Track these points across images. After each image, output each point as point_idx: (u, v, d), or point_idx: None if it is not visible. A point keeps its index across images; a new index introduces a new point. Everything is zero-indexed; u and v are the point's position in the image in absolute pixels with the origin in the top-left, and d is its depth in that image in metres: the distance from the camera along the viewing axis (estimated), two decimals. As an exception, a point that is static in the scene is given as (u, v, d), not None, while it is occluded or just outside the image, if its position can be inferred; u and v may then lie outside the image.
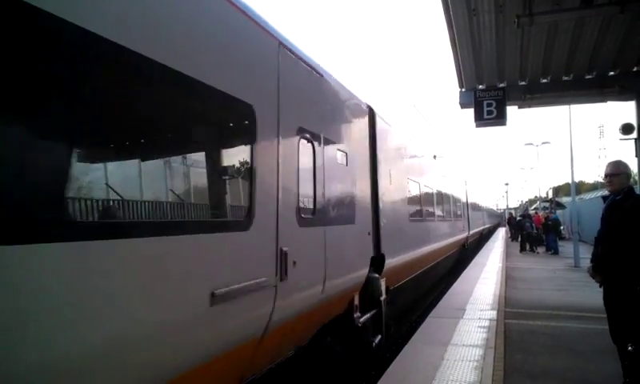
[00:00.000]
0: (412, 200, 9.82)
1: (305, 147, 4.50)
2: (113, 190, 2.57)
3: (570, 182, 20.94)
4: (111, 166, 2.75)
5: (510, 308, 9.29)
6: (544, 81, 11.18)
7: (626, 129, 11.16)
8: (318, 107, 4.95)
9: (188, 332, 2.77)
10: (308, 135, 4.54)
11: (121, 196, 2.59)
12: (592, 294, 11.14)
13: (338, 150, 5.48)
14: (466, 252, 21.74)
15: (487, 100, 10.87)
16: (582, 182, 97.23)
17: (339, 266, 5.23)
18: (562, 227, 30.06)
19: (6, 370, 1.76)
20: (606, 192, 5.34)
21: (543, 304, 9.74)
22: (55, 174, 2.09)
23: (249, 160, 3.52)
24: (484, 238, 37.94)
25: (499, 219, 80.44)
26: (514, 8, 7.91)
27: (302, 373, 4.84)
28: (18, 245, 1.81)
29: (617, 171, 4.81)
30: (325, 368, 5.39)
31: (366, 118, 6.86)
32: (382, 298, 6.90)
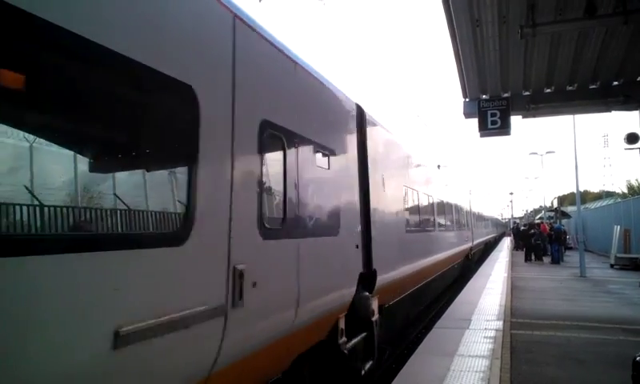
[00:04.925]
0: (410, 209, 9.24)
1: (271, 145, 3.97)
2: None
3: (575, 191, 20.85)
4: None
5: (516, 318, 9.24)
6: (548, 91, 11.20)
7: (631, 138, 11.19)
8: (291, 100, 4.40)
9: None
10: (276, 131, 3.98)
11: None
12: (598, 304, 11.12)
13: (317, 151, 4.87)
14: (471, 263, 21.37)
15: (491, 110, 10.90)
16: (586, 191, 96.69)
17: (318, 286, 4.62)
18: (568, 237, 29.95)
19: None
20: None
21: (549, 314, 9.68)
22: None
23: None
24: (489, 247, 37.72)
25: (504, 229, 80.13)
26: (517, 19, 7.96)
27: None
28: None
29: None
30: None
31: (354, 118, 6.22)
32: (374, 318, 6.27)
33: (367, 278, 6.07)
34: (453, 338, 7.62)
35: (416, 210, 9.80)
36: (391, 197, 7.62)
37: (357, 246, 5.75)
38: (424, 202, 10.82)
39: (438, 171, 13.89)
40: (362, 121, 6.43)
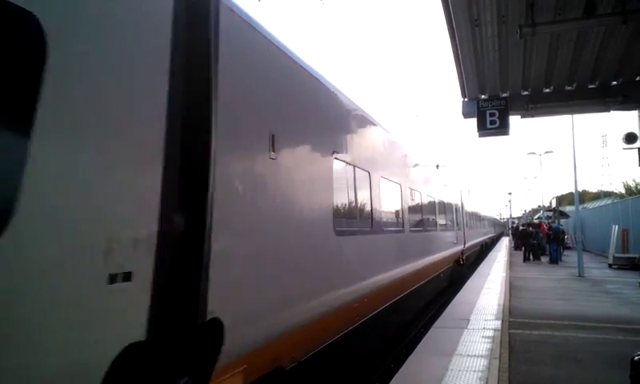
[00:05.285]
0: (350, 199, 6.36)
1: None
2: None
3: (574, 191, 20.88)
4: None
5: (514, 318, 9.24)
6: (547, 90, 11.20)
7: (630, 138, 11.22)
8: None
9: None
10: None
11: None
12: (596, 304, 11.14)
13: None
14: (463, 269, 19.27)
15: (490, 110, 10.90)
16: (585, 191, 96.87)
17: None
18: (566, 237, 30.03)
19: None
20: None
21: (548, 314, 9.69)
22: None
23: None
24: (487, 248, 37.66)
25: (502, 229, 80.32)
26: (516, 19, 7.96)
27: None
28: None
29: None
30: None
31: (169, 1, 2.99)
32: None
33: (195, 340, 3.09)
34: (451, 337, 7.62)
35: (367, 200, 6.99)
36: (300, 174, 4.76)
37: (125, 278, 2.49)
38: (386, 192, 8.08)
39: (416, 157, 11.72)
40: (204, 13, 3.30)
